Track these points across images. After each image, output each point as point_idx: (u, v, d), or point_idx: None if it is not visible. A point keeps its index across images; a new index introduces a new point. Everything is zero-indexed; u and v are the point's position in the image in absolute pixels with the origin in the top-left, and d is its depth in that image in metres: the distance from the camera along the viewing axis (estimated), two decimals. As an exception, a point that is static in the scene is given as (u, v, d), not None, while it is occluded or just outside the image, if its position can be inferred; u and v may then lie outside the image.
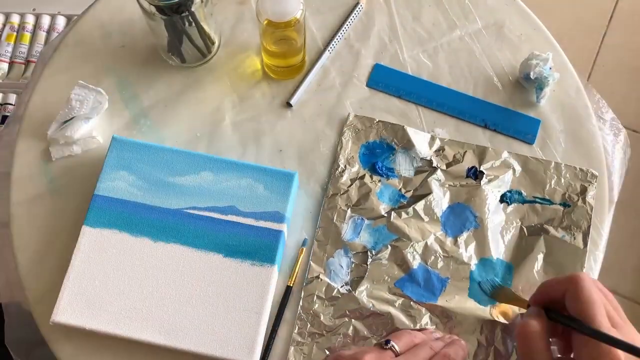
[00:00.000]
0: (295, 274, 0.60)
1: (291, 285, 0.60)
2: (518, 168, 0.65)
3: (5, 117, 0.93)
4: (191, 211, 0.60)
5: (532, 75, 0.65)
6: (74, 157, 0.65)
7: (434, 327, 0.59)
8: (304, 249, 0.61)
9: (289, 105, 0.68)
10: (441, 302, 0.60)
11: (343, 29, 0.70)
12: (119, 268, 0.58)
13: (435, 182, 0.64)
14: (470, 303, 0.60)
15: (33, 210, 0.63)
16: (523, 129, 0.67)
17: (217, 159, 0.61)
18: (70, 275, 0.57)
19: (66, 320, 0.56)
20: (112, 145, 0.62)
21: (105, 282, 0.57)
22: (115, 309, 0.56)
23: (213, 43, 0.69)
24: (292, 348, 0.58)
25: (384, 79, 0.69)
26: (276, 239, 0.59)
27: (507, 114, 0.67)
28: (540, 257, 0.61)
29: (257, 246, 0.58)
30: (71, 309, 0.56)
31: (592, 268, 0.61)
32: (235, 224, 0.59)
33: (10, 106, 0.94)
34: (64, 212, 0.62)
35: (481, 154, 0.65)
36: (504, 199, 0.64)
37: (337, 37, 0.70)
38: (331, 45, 0.69)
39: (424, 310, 0.59)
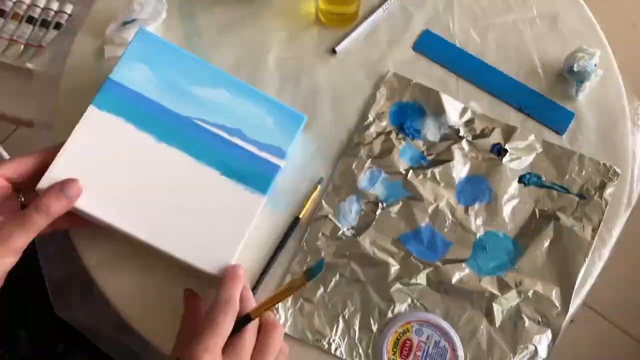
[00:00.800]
0: (306, 208, 0.62)
1: (300, 217, 0.62)
2: (542, 153, 0.66)
3: (58, 24, 0.97)
4: (200, 122, 0.59)
5: (575, 68, 0.66)
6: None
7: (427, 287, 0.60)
8: (319, 186, 0.64)
9: (333, 52, 0.70)
10: (440, 263, 0.61)
11: (401, -10, 0.72)
12: (117, 156, 0.57)
13: (459, 151, 0.66)
14: (467, 270, 0.61)
15: (78, 103, 0.66)
16: (556, 118, 0.67)
17: (237, 81, 0.61)
18: (66, 148, 0.55)
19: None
20: (137, 36, 0.60)
21: (99, 164, 0.56)
22: (103, 194, 0.55)
23: (275, -20, 0.72)
24: (288, 276, 0.60)
25: (431, 46, 0.70)
26: (273, 171, 0.60)
27: (543, 101, 0.68)
28: (547, 241, 0.62)
29: (254, 173, 0.59)
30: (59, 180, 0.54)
31: (595, 263, 0.62)
32: (238, 147, 0.59)
33: (65, 14, 0.98)
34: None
35: (509, 132, 0.66)
36: (522, 179, 0.65)
37: (393, -4, 0.71)
38: (386, 4, 0.71)
39: (421, 266, 0.61)
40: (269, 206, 0.63)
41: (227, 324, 0.49)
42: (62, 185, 0.52)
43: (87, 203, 0.55)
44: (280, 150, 0.60)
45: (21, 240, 0.50)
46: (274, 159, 0.60)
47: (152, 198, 0.57)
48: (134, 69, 0.59)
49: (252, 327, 0.51)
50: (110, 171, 0.56)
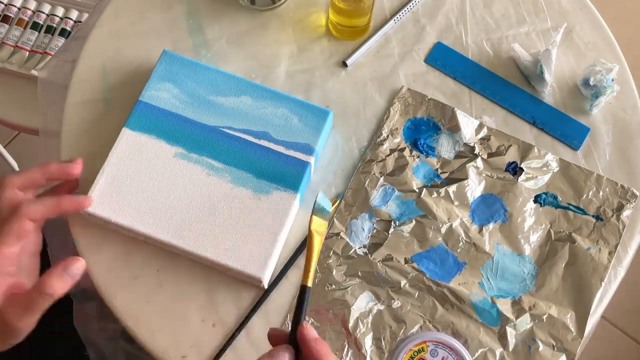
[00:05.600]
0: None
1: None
2: (558, 172, 0.65)
3: (64, 31, 0.96)
4: (226, 130, 0.62)
5: (591, 82, 0.65)
6: (131, 73, 0.67)
7: (440, 307, 0.59)
8: (337, 200, 0.63)
9: (344, 64, 0.69)
10: (453, 284, 0.60)
11: (413, 1, 0.71)
12: (151, 171, 0.60)
13: (473, 169, 0.65)
14: (481, 292, 0.60)
15: (84, 114, 0.66)
16: (571, 133, 0.66)
17: (258, 86, 0.64)
18: (104, 171, 0.60)
19: (95, 211, 0.58)
20: (161, 58, 0.64)
21: (136, 182, 0.60)
22: (142, 208, 0.59)
23: (285, -9, 0.70)
24: (298, 292, 0.59)
25: (443, 58, 0.69)
26: (302, 168, 0.61)
27: (557, 115, 0.67)
28: (562, 264, 0.61)
29: (284, 173, 0.61)
30: (101, 201, 0.59)
31: (610, 282, 0.61)
32: (266, 149, 0.61)
33: (71, 21, 0.97)
34: (113, 121, 0.65)
35: (525, 151, 0.65)
36: (538, 199, 0.64)
37: (405, 8, 0.70)
38: (398, 16, 0.70)
39: (434, 287, 0.60)
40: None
41: None
42: (66, 265, 0.50)
43: (127, 218, 0.58)
44: (307, 146, 0.62)
45: (25, 323, 0.49)
46: (302, 156, 0.61)
47: (188, 207, 0.59)
48: (161, 88, 0.63)
49: None
50: (146, 186, 0.60)
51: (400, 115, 0.67)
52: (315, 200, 0.50)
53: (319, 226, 0.50)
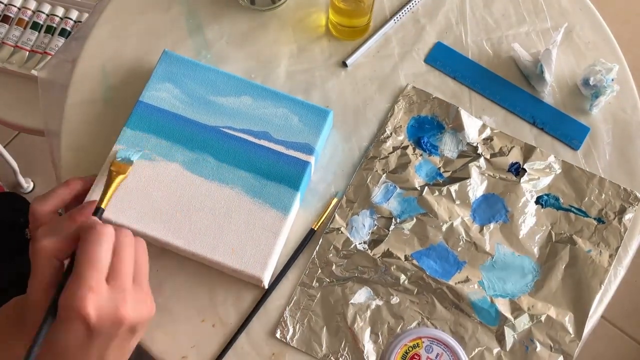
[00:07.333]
0: (322, 219, 0.62)
1: (315, 228, 0.61)
2: (561, 174, 0.65)
3: (64, 31, 0.96)
4: (226, 130, 0.62)
5: (591, 81, 0.65)
6: (131, 73, 0.67)
7: (440, 305, 0.59)
8: (337, 199, 0.63)
9: (344, 65, 0.69)
10: (453, 282, 0.60)
11: (413, 1, 0.71)
12: (152, 171, 0.60)
13: (476, 168, 0.65)
14: (480, 291, 0.60)
15: (84, 114, 0.66)
16: (570, 133, 0.66)
17: (258, 86, 0.64)
18: (104, 171, 0.59)
19: None
20: (161, 58, 0.64)
21: (136, 181, 0.60)
22: (142, 209, 0.59)
23: (285, -9, 0.71)
24: (299, 288, 0.60)
25: (443, 58, 0.69)
26: (302, 168, 0.61)
27: (557, 115, 0.67)
28: (562, 265, 0.61)
29: (284, 173, 0.60)
30: None
31: (611, 282, 0.61)
32: (266, 149, 0.61)
33: (71, 21, 0.97)
34: (113, 121, 0.65)
35: (528, 152, 0.65)
36: (539, 200, 0.64)
37: (405, 8, 0.70)
38: (398, 16, 0.70)
39: (433, 285, 0.60)
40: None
41: (105, 255, 0.45)
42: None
43: (128, 218, 0.58)
44: (307, 146, 0.62)
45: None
46: (302, 156, 0.61)
47: (188, 207, 0.59)
48: (161, 89, 0.64)
49: (125, 241, 0.47)
50: (147, 185, 0.60)
51: (404, 113, 0.67)
52: (118, 152, 0.59)
53: (120, 168, 0.57)
